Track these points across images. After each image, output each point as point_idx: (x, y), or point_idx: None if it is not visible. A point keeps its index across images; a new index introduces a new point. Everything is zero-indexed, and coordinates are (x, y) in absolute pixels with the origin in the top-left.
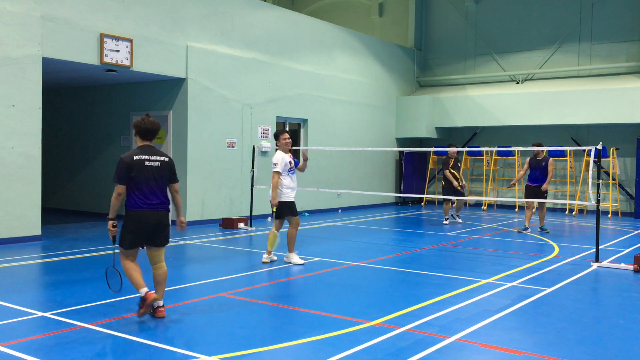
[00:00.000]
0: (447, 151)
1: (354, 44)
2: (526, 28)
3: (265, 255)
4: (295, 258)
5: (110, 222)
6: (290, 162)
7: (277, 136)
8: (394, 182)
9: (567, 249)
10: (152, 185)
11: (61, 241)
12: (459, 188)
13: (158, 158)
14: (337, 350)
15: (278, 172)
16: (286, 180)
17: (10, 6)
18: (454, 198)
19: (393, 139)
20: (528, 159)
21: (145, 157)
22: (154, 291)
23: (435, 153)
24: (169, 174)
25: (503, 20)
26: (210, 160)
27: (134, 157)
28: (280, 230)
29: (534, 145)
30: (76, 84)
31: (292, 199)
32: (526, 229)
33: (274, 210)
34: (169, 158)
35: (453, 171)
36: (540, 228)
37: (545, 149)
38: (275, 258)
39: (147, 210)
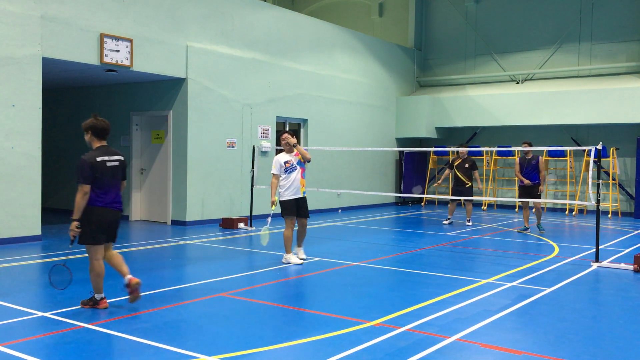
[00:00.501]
0: (447, 151)
1: (354, 44)
2: (526, 28)
3: (286, 256)
4: (293, 258)
5: (75, 223)
6: (286, 162)
7: (278, 138)
8: (394, 182)
9: (567, 249)
10: (111, 184)
11: (61, 241)
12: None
13: (116, 158)
14: (337, 350)
15: (273, 174)
16: (282, 181)
17: (10, 6)
18: (458, 198)
19: (393, 139)
20: (517, 158)
21: (106, 157)
22: (105, 301)
23: (435, 153)
24: (122, 172)
25: (503, 20)
26: (210, 160)
27: (97, 158)
28: (277, 231)
29: (523, 144)
30: (76, 84)
31: (289, 198)
32: (526, 229)
33: (273, 208)
34: (123, 157)
35: (458, 172)
36: (537, 226)
37: (538, 148)
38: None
39: (107, 209)
